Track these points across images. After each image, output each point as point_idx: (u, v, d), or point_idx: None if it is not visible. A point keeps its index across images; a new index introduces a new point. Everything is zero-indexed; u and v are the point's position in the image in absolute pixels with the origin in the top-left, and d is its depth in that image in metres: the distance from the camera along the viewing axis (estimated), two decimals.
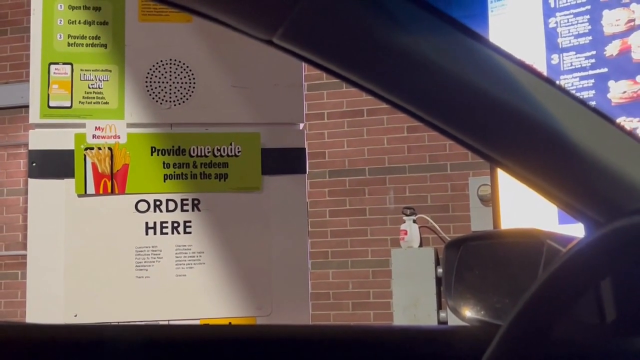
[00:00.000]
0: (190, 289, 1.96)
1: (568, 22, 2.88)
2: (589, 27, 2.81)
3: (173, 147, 1.99)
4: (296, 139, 2.07)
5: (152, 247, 1.95)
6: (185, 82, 2.01)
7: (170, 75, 2.01)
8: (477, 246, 1.04)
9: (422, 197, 5.17)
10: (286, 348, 0.96)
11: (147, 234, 1.96)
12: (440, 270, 4.69)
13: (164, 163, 1.98)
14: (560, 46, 2.89)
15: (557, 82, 2.15)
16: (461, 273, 1.01)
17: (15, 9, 5.80)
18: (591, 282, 0.68)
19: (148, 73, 2.00)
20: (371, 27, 0.69)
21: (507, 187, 2.95)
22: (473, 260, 1.01)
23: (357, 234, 5.28)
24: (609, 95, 2.74)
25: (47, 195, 1.94)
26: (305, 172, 2.06)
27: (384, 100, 0.73)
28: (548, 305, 0.66)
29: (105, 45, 1.99)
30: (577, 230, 0.74)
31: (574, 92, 2.50)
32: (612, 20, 2.75)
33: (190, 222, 1.98)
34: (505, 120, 0.71)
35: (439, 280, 4.76)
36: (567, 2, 2.88)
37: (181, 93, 2.01)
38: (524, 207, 2.86)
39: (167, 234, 1.97)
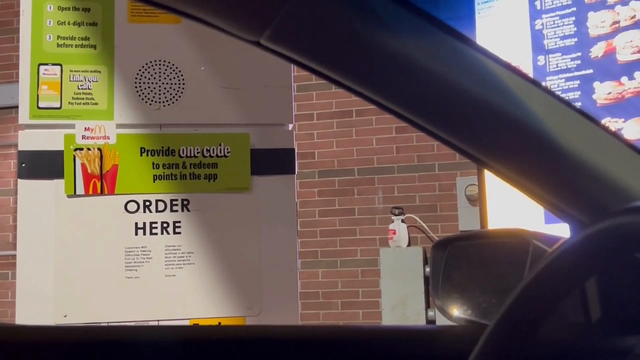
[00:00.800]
0: (180, 289, 1.96)
1: (554, 23, 2.89)
2: (575, 29, 2.83)
3: (162, 147, 1.99)
4: (285, 140, 2.08)
5: (142, 247, 1.95)
6: (175, 83, 2.01)
7: (160, 76, 2.01)
8: (464, 246, 1.05)
9: (411, 197, 5.18)
10: (275, 348, 0.97)
11: (136, 234, 1.96)
12: (428, 269, 4.70)
13: (153, 164, 1.98)
14: (546, 48, 2.91)
15: (543, 83, 2.16)
16: (448, 273, 1.02)
17: (5, 9, 5.76)
18: (577, 282, 0.69)
19: (137, 74, 2.00)
20: (358, 28, 0.69)
21: (494, 187, 2.97)
22: (460, 260, 1.02)
23: (346, 233, 5.28)
24: (594, 97, 2.76)
25: (37, 196, 1.93)
26: (295, 173, 2.07)
27: (371, 101, 0.74)
28: (534, 305, 0.66)
29: (94, 46, 1.99)
30: (563, 230, 0.75)
31: (559, 93, 2.52)
32: (597, 22, 2.77)
33: (179, 222, 1.98)
34: (491, 122, 0.72)
35: (427, 280, 4.77)
36: (553, 4, 2.90)
37: (170, 94, 2.01)
38: (510, 207, 2.88)
39: (156, 234, 1.97)
